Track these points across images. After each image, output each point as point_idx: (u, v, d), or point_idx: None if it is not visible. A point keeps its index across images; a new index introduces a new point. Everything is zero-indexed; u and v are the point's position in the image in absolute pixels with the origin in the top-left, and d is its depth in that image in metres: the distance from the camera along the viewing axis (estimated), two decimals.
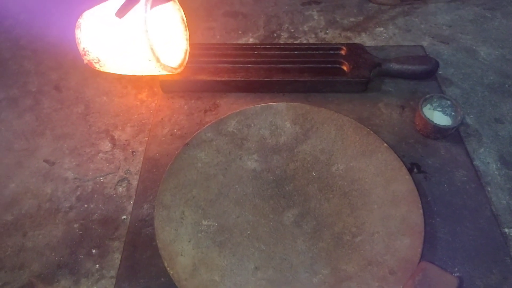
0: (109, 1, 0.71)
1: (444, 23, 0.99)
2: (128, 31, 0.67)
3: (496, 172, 0.70)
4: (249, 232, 0.60)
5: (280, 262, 0.57)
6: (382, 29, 0.97)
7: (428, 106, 0.73)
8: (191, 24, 0.98)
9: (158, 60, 0.68)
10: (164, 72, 0.71)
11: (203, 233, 0.59)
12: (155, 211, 0.60)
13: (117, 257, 0.60)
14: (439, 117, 0.72)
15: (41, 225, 0.64)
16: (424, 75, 0.81)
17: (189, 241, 0.58)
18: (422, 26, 0.98)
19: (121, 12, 0.66)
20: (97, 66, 0.72)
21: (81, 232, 0.63)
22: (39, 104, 0.80)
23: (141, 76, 0.83)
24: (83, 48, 0.71)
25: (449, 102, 0.72)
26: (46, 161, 0.72)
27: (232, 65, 0.81)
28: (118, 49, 0.69)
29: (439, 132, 0.71)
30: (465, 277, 0.57)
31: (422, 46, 0.90)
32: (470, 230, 0.62)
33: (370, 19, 1.00)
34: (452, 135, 0.73)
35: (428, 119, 0.70)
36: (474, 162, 0.70)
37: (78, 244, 0.62)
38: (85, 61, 0.72)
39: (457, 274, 0.56)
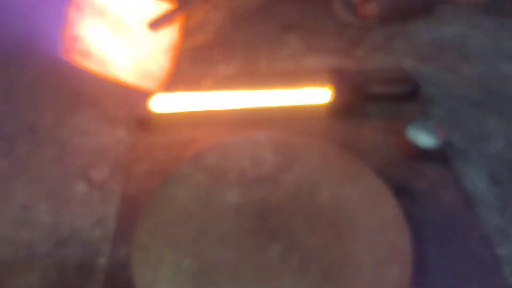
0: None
1: (424, 43, 0.99)
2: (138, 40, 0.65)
3: (484, 192, 0.68)
4: (232, 271, 0.57)
5: None
6: (362, 52, 0.97)
7: (411, 128, 0.72)
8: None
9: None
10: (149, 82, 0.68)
11: (183, 274, 0.57)
12: (132, 253, 0.58)
13: None
14: (423, 139, 0.71)
15: (17, 273, 0.61)
16: (406, 96, 0.80)
17: (169, 284, 0.55)
18: (403, 47, 0.98)
19: (155, 25, 0.65)
20: (78, 56, 0.69)
21: (58, 279, 0.60)
22: (14, 148, 0.78)
23: (118, 111, 0.82)
24: (77, 35, 0.68)
25: (431, 123, 0.71)
26: (22, 206, 0.69)
27: (209, 96, 0.80)
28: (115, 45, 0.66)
29: (424, 153, 0.69)
30: None
31: (403, 68, 0.90)
32: (461, 252, 0.59)
33: (350, 43, 1.00)
34: (438, 156, 0.71)
35: (411, 141, 0.69)
36: (462, 182, 0.69)
37: None
38: (68, 48, 0.69)
39: None
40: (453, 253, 0.60)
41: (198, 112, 0.78)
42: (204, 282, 0.56)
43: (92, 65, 0.70)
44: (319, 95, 0.80)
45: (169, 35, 0.68)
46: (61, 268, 0.61)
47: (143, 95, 0.80)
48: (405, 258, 0.56)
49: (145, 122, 0.78)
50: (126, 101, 0.85)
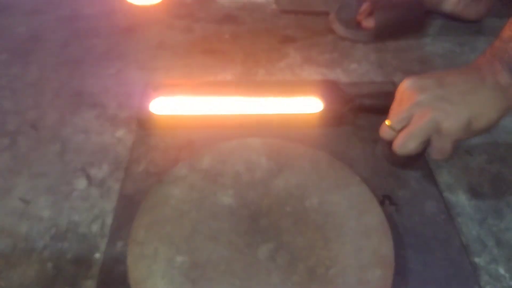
0: None
1: (415, 59, 1.03)
2: None
3: (466, 203, 0.72)
4: (223, 268, 0.60)
5: None
6: (355, 65, 1.00)
7: None
8: (169, 61, 1.01)
9: None
10: None
11: (176, 269, 0.59)
12: (128, 248, 0.60)
13: None
14: None
15: (15, 265, 0.63)
16: None
17: (162, 278, 0.58)
18: (394, 62, 1.01)
19: None
20: None
21: (54, 272, 0.62)
22: (16, 144, 0.81)
23: (119, 113, 0.85)
24: None
25: None
26: (21, 200, 0.71)
27: (207, 101, 0.83)
28: None
29: (406, 160, 0.72)
30: None
31: (393, 82, 0.93)
32: (440, 260, 0.63)
33: (344, 56, 1.04)
34: (422, 168, 0.75)
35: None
36: (444, 194, 0.72)
37: (51, 284, 0.61)
38: None
39: None
40: (433, 261, 0.63)
41: (195, 116, 0.81)
42: (196, 277, 0.59)
43: None
44: (312, 105, 0.83)
45: None
46: (58, 261, 0.63)
47: (144, 97, 0.83)
48: (387, 263, 0.59)
49: (144, 124, 0.81)
50: (127, 103, 0.88)
